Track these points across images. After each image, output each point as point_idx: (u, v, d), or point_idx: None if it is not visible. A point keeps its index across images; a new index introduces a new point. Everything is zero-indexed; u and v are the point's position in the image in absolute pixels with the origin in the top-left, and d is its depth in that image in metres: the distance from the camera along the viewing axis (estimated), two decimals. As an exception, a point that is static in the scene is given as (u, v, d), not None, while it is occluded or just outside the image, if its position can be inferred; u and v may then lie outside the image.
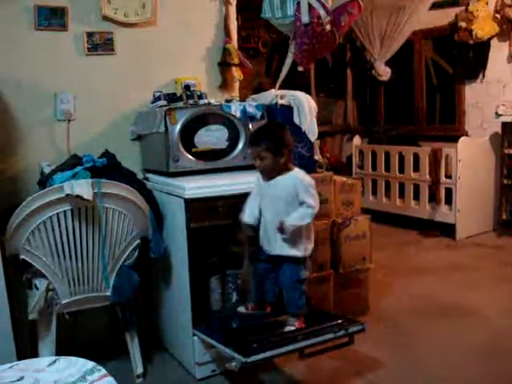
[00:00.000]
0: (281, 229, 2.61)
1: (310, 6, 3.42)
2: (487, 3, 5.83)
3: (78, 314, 2.89)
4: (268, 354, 2.50)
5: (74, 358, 1.62)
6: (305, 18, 3.41)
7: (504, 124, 5.67)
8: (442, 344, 3.26)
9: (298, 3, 3.44)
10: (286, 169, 2.70)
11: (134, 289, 2.86)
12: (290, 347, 2.56)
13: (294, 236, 2.66)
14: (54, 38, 3.20)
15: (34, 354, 2.73)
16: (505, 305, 3.79)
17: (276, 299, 2.83)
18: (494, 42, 5.93)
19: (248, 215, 2.76)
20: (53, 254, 2.64)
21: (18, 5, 3.10)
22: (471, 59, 6.12)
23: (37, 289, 2.67)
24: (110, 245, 2.77)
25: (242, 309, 2.88)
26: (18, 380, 1.52)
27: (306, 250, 2.75)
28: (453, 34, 6.14)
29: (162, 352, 3.25)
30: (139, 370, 2.96)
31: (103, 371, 1.54)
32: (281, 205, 2.66)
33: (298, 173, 2.72)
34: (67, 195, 2.56)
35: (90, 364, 1.57)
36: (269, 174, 2.70)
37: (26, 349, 2.79)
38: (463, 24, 5.94)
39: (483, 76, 6.13)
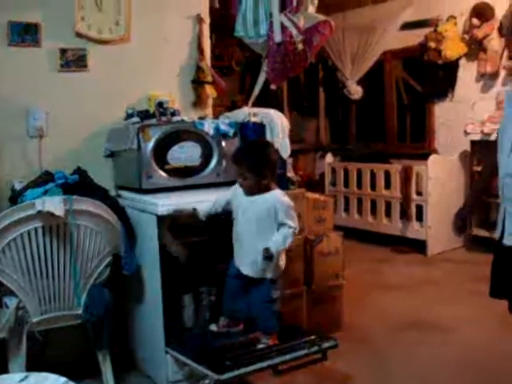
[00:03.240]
0: (267, 257, 2.59)
1: (282, 25, 3.47)
2: (456, 24, 5.97)
3: (48, 332, 2.85)
4: (241, 370, 2.50)
5: (44, 374, 1.60)
6: (277, 38, 3.45)
7: (472, 142, 5.78)
8: (415, 359, 3.29)
9: (271, 22, 3.49)
10: (266, 188, 2.70)
11: (105, 306, 2.84)
12: (264, 364, 2.57)
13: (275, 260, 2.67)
14: (27, 54, 3.19)
15: (3, 373, 2.67)
16: (475, 319, 3.84)
17: (249, 316, 2.82)
18: (463, 62, 6.07)
19: (209, 207, 2.79)
20: (23, 272, 2.61)
21: (-11, 21, 3.09)
22: (440, 79, 6.25)
23: (7, 307, 2.63)
24: (82, 262, 2.75)
25: (213, 326, 2.87)
26: (-11, 396, 1.50)
27: (279, 269, 2.76)
28: (422, 54, 6.26)
29: (135, 370, 3.21)
30: (111, 389, 2.92)
31: (75, 387, 1.53)
32: (256, 223, 2.66)
33: (278, 193, 2.72)
34: (39, 212, 2.54)
35: (62, 380, 1.55)
36: (251, 191, 2.69)
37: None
38: (432, 44, 6.07)
39: (452, 95, 6.26)
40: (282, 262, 2.78)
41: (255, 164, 2.66)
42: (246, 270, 2.71)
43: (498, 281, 2.51)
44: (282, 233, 2.64)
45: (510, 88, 2.54)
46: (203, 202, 2.89)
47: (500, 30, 5.56)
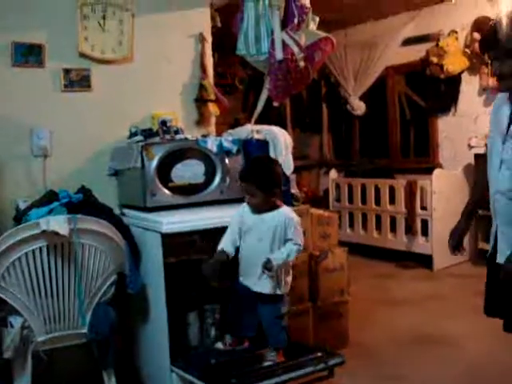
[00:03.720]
0: (268, 267, 2.59)
1: (284, 42, 3.49)
2: (457, 38, 6.01)
3: (54, 351, 2.84)
4: (247, 388, 2.48)
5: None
6: (279, 55, 3.47)
7: (476, 156, 5.78)
8: (422, 375, 3.27)
9: (272, 40, 3.51)
10: (274, 205, 2.70)
11: (110, 325, 2.83)
12: (270, 381, 2.54)
13: (277, 273, 2.67)
14: (31, 74, 3.21)
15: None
16: (482, 334, 3.80)
17: (255, 333, 2.81)
18: (465, 76, 6.09)
19: (227, 244, 2.71)
20: (28, 291, 2.61)
21: (-6, 42, 3.12)
22: (443, 93, 6.28)
23: (12, 326, 2.62)
24: (87, 281, 2.75)
25: (219, 345, 2.86)
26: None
27: (287, 285, 2.76)
28: (424, 68, 6.29)
29: (140, 389, 3.20)
30: (117, 408, 2.91)
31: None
32: (267, 241, 2.66)
33: (286, 210, 2.73)
34: (43, 231, 2.54)
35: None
36: (259, 209, 2.69)
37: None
38: (434, 59, 6.10)
39: (455, 109, 6.28)
40: (290, 277, 2.78)
41: (263, 180, 2.66)
42: (258, 287, 2.70)
43: (491, 299, 2.48)
44: (287, 248, 2.65)
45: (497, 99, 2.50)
46: (207, 218, 2.90)
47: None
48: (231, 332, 2.84)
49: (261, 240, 2.67)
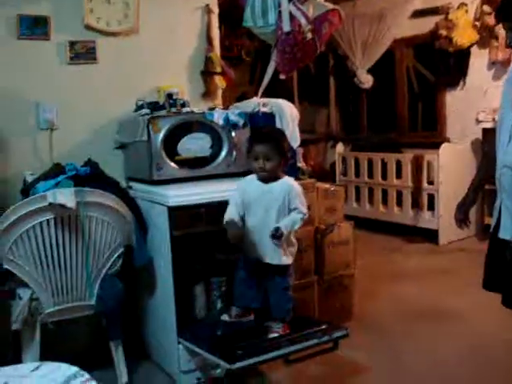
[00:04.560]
0: (276, 236, 2.60)
1: (291, 14, 3.45)
2: (467, 11, 5.92)
3: (62, 323, 2.88)
4: (253, 360, 2.50)
5: (56, 364, 1.62)
6: (286, 27, 3.44)
7: (484, 130, 5.73)
8: (427, 348, 3.29)
9: (280, 12, 3.47)
10: (277, 176, 2.71)
11: (118, 297, 2.86)
12: (275, 353, 2.57)
13: (286, 243, 2.69)
14: (37, 47, 3.21)
15: (18, 363, 2.70)
16: (486, 309, 3.80)
17: (261, 305, 2.84)
18: (474, 50, 6.01)
19: (234, 215, 2.69)
20: (36, 264, 2.64)
21: (-1, 14, 3.10)
22: (452, 67, 6.20)
23: (20, 298, 2.66)
24: (94, 253, 2.77)
25: (225, 317, 2.88)
26: (2, 386, 1.52)
27: (292, 255, 2.78)
28: (433, 41, 6.21)
29: (147, 361, 3.24)
30: (124, 379, 2.94)
31: (86, 376, 1.55)
32: (274, 211, 2.67)
33: (289, 180, 2.74)
34: (50, 204, 2.56)
35: (73, 369, 1.57)
36: (269, 177, 2.68)
37: (9, 359, 2.77)
38: (443, 32, 6.02)
39: (464, 83, 6.21)
40: (295, 248, 2.79)
41: (280, 143, 2.68)
42: (267, 258, 2.71)
43: (491, 273, 2.48)
44: (292, 217, 2.66)
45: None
46: (214, 192, 2.90)
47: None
48: (237, 303, 2.87)
49: (267, 211, 2.67)
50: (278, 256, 2.70)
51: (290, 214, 2.67)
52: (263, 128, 3.10)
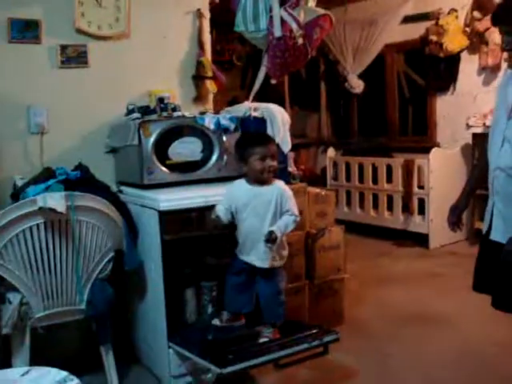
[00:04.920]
0: (270, 240, 2.61)
1: (282, 19, 3.46)
2: (457, 17, 5.96)
3: (52, 327, 2.87)
4: (243, 364, 2.51)
5: (46, 368, 1.63)
6: (277, 32, 3.45)
7: (474, 135, 5.77)
8: (416, 352, 3.31)
9: (271, 17, 3.48)
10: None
11: (108, 302, 2.85)
12: (266, 358, 2.58)
13: (278, 246, 2.70)
14: (28, 50, 3.20)
15: (7, 368, 2.69)
16: (476, 312, 3.83)
17: (251, 310, 2.84)
18: (464, 55, 6.06)
19: (223, 212, 2.72)
20: (26, 268, 2.62)
21: (-11, 18, 3.09)
22: (442, 72, 6.24)
23: (10, 303, 2.64)
24: (84, 258, 2.76)
25: (216, 321, 2.88)
26: (-8, 391, 1.51)
27: (284, 258, 2.79)
28: (424, 47, 6.26)
29: (138, 365, 3.23)
30: (114, 383, 2.93)
31: (76, 380, 1.55)
32: (269, 214, 2.68)
33: (281, 183, 2.78)
34: (40, 208, 2.55)
35: (63, 374, 1.57)
36: (261, 181, 2.70)
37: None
38: (434, 37, 6.06)
39: (454, 88, 6.25)
40: (286, 251, 2.81)
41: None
42: (259, 262, 2.72)
43: (481, 275, 2.50)
44: (285, 219, 2.69)
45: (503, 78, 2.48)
46: (205, 196, 2.90)
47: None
48: (228, 308, 2.87)
49: (259, 215, 2.69)
50: (269, 260, 2.71)
51: (283, 217, 2.69)
52: (255, 132, 3.12)
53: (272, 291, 2.76)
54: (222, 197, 2.79)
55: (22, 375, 1.59)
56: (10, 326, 2.65)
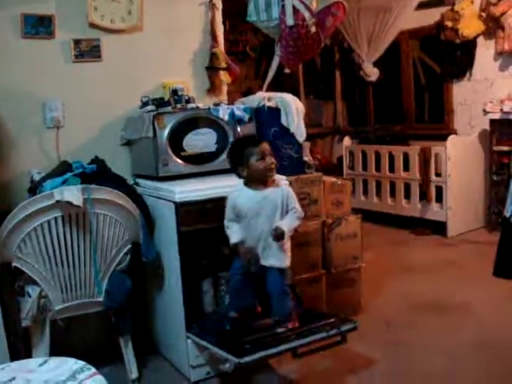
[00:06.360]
0: (277, 235, 2.62)
1: (294, 8, 3.45)
2: (472, 2, 5.87)
3: (71, 319, 2.90)
4: (261, 354, 2.52)
5: (63, 358, 1.65)
6: (290, 21, 3.43)
7: (492, 121, 5.70)
8: (434, 341, 3.28)
9: (283, 6, 3.47)
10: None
11: (126, 293, 2.88)
12: (283, 347, 2.58)
13: (285, 245, 2.71)
14: (41, 45, 3.22)
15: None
16: (495, 301, 3.81)
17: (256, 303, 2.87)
18: (480, 41, 5.97)
19: (237, 233, 2.72)
20: (44, 261, 2.65)
21: (3, 13, 3.10)
22: (458, 58, 6.17)
23: (29, 296, 2.68)
24: (102, 250, 2.78)
25: (233, 313, 2.89)
26: (10, 380, 1.53)
27: (289, 257, 2.79)
28: (439, 33, 6.17)
29: (157, 356, 3.26)
30: (134, 374, 2.97)
31: (93, 370, 1.56)
32: (277, 214, 2.69)
33: (284, 184, 2.82)
34: (57, 202, 2.57)
35: (80, 363, 1.59)
36: (264, 182, 2.71)
37: (20, 355, 2.78)
38: (449, 23, 5.98)
39: (470, 74, 6.18)
40: (289, 250, 2.80)
41: None
42: (268, 261, 2.72)
43: (504, 259, 2.48)
44: (290, 216, 2.71)
45: None
46: (220, 187, 2.90)
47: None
48: (233, 307, 2.88)
49: (268, 217, 2.68)
50: (279, 259, 2.71)
51: (288, 215, 2.71)
52: (244, 136, 3.16)
53: (278, 290, 2.74)
54: (226, 210, 2.76)
55: (40, 365, 1.62)
56: (29, 319, 2.68)
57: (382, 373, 2.97)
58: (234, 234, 2.72)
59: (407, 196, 6.06)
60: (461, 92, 6.32)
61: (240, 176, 2.74)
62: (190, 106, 3.25)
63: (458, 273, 4.50)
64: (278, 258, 2.71)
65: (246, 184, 2.74)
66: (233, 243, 2.72)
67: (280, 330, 2.69)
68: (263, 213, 2.69)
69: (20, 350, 2.81)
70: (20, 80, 3.18)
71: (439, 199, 5.72)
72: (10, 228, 2.57)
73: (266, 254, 2.72)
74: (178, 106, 3.22)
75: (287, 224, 2.67)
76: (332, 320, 2.78)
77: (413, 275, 4.49)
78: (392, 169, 6.19)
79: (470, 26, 5.87)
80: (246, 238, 2.73)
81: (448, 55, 6.25)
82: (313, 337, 2.65)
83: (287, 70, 3.78)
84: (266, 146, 2.72)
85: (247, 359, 2.46)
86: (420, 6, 6.22)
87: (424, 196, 5.82)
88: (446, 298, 3.96)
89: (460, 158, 5.63)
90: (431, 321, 3.58)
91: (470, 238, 5.51)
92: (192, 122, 3.16)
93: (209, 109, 3.23)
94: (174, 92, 3.31)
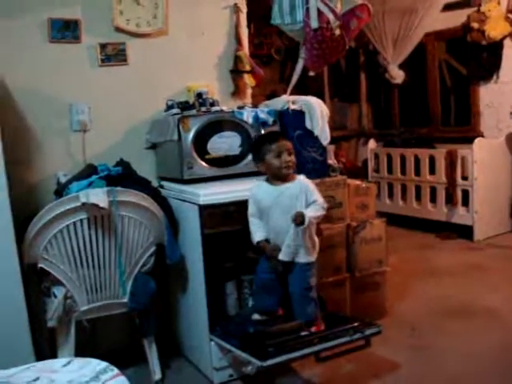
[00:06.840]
0: (297, 219, 2.61)
1: (319, 11, 3.44)
2: (499, 3, 5.80)
3: (96, 321, 2.93)
4: (284, 357, 2.52)
5: (87, 359, 1.66)
6: (314, 24, 3.43)
7: (519, 124, 5.64)
8: (460, 346, 3.25)
9: (307, 9, 3.46)
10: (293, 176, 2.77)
11: (150, 295, 2.90)
12: (306, 351, 2.58)
13: (307, 239, 2.69)
14: (68, 50, 3.25)
15: (53, 360, 2.77)
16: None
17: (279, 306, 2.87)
18: (507, 42, 5.89)
19: (260, 230, 2.76)
20: (70, 262, 2.69)
21: (31, 18, 3.15)
22: (484, 60, 6.09)
23: (55, 297, 2.71)
24: (127, 252, 2.81)
25: (256, 316, 2.89)
26: (34, 380, 1.55)
27: (315, 253, 2.77)
28: (465, 35, 6.11)
29: (180, 358, 3.27)
30: (157, 376, 2.98)
31: (116, 370, 1.57)
32: (295, 207, 2.67)
33: (303, 178, 2.78)
34: (83, 204, 2.60)
35: (103, 364, 1.60)
36: (284, 178, 2.71)
37: (46, 356, 2.82)
38: (475, 25, 5.92)
39: (497, 76, 6.09)
40: (317, 246, 2.79)
41: None
42: (287, 256, 2.71)
43: None
44: (314, 206, 2.69)
45: None
46: (244, 190, 2.90)
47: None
48: (256, 309, 2.89)
49: (287, 212, 2.67)
50: (303, 254, 2.70)
51: (311, 206, 2.70)
52: (266, 133, 3.18)
53: (299, 288, 2.74)
54: (249, 207, 2.80)
55: (64, 365, 1.63)
56: (55, 320, 2.71)
57: (407, 377, 2.94)
58: (257, 231, 2.75)
59: (433, 199, 6.00)
60: (487, 94, 6.23)
61: (261, 172, 2.79)
62: (214, 109, 3.26)
63: (483, 277, 4.44)
64: (301, 253, 2.71)
65: (267, 179, 2.78)
66: (257, 241, 2.75)
67: (303, 333, 2.68)
68: (282, 208, 2.69)
69: (45, 350, 2.86)
70: (47, 84, 3.22)
71: (465, 203, 5.65)
72: (36, 230, 2.61)
73: (289, 250, 2.71)
74: (203, 109, 3.23)
75: (310, 211, 2.66)
76: (356, 324, 2.76)
77: (438, 279, 4.45)
78: (418, 172, 6.14)
79: (496, 28, 5.80)
80: (270, 235, 2.73)
81: (474, 57, 6.18)
82: (336, 341, 2.64)
83: (312, 73, 3.77)
84: (283, 142, 2.73)
85: (270, 362, 2.46)
86: (446, 8, 6.17)
87: (450, 199, 5.76)
88: (472, 302, 3.91)
89: (487, 161, 5.56)
90: (457, 325, 3.54)
91: (497, 243, 5.44)
92: (216, 125, 3.17)
93: (233, 112, 3.24)
94: (199, 95, 3.33)
